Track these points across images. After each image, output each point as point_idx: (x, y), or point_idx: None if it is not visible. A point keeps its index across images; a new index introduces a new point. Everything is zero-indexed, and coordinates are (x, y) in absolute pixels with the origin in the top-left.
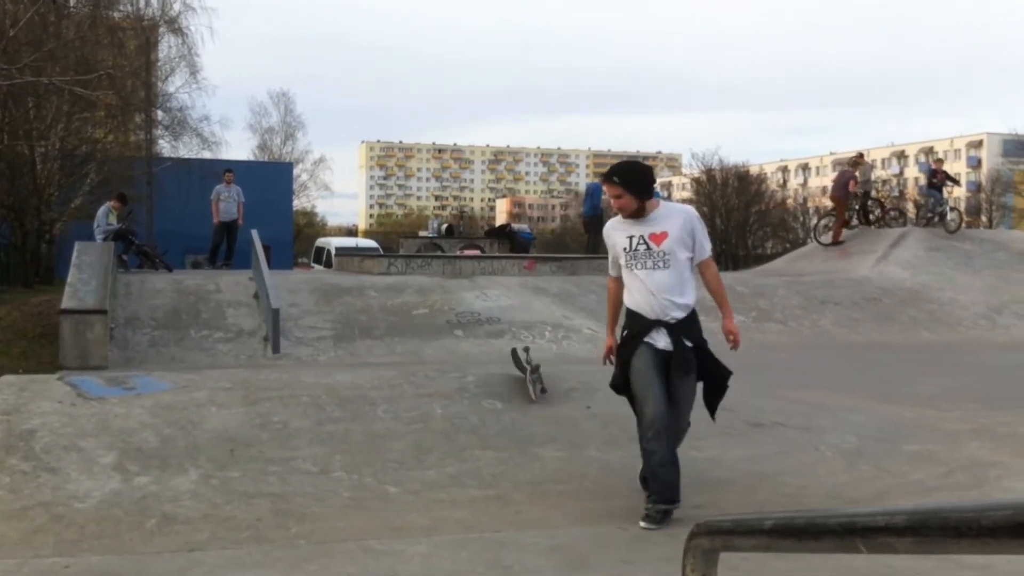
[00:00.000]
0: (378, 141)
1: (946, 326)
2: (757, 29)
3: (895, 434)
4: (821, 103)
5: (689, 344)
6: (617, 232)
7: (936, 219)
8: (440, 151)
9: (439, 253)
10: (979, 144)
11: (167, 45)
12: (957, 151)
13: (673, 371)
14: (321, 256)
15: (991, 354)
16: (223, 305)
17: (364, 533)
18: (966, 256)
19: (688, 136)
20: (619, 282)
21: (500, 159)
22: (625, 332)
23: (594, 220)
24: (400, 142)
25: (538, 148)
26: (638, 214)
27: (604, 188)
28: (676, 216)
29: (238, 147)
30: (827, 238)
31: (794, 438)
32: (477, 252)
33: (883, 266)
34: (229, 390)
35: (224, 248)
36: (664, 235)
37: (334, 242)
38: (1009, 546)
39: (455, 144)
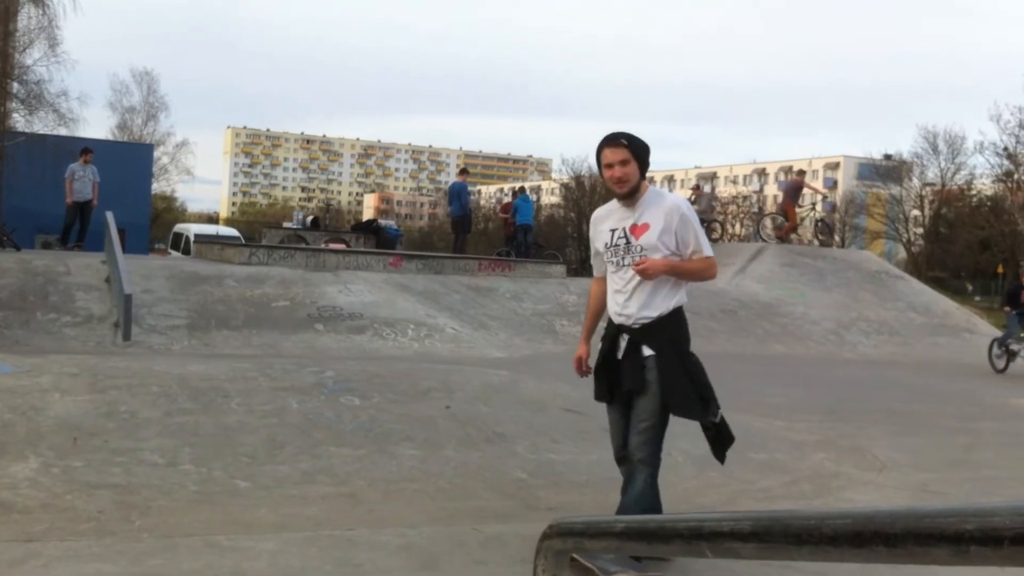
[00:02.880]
0: (245, 127)
1: (797, 340)
2: (631, 42)
3: (744, 442)
4: (688, 119)
5: (649, 352)
6: (602, 223)
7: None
8: (309, 142)
9: (303, 245)
10: (836, 166)
11: (27, 15)
12: (815, 171)
13: (623, 383)
14: (179, 242)
15: (838, 368)
16: (73, 288)
17: (211, 528)
18: (818, 273)
19: (559, 142)
20: (603, 283)
21: (370, 153)
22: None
23: (463, 220)
24: (268, 130)
25: (409, 145)
26: (632, 194)
27: (604, 153)
28: (660, 206)
29: (96, 125)
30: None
31: None
32: (342, 246)
33: (740, 279)
34: (75, 376)
35: (77, 229)
36: (645, 227)
37: (193, 228)
38: (848, 554)
39: (324, 136)
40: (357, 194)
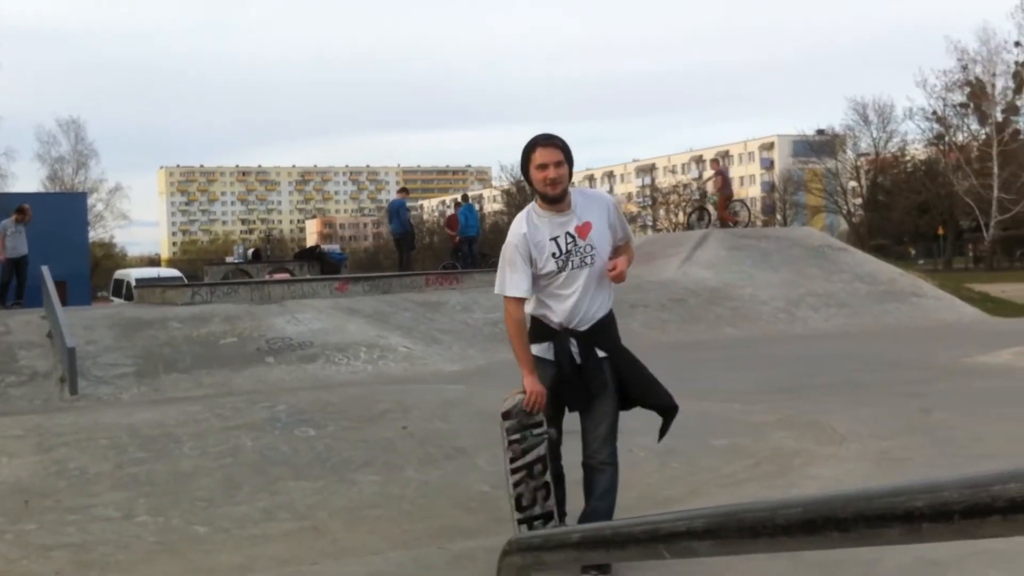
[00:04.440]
0: (178, 166)
1: (749, 322)
2: (558, 44)
3: (705, 430)
4: (622, 114)
5: (602, 354)
6: (539, 235)
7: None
8: (244, 173)
9: (246, 279)
10: (771, 146)
11: None
12: (751, 153)
13: (590, 388)
14: (121, 289)
15: (791, 345)
16: (14, 347)
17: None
18: (763, 253)
19: (496, 150)
20: (522, 304)
21: (308, 179)
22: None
23: (405, 237)
24: (201, 166)
25: (346, 167)
26: (562, 198)
27: (536, 153)
28: (593, 203)
29: (26, 179)
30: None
31: None
32: (286, 275)
33: (687, 267)
34: (21, 438)
35: (14, 286)
36: (588, 226)
37: (133, 273)
38: (802, 542)
39: (260, 166)
40: (299, 221)
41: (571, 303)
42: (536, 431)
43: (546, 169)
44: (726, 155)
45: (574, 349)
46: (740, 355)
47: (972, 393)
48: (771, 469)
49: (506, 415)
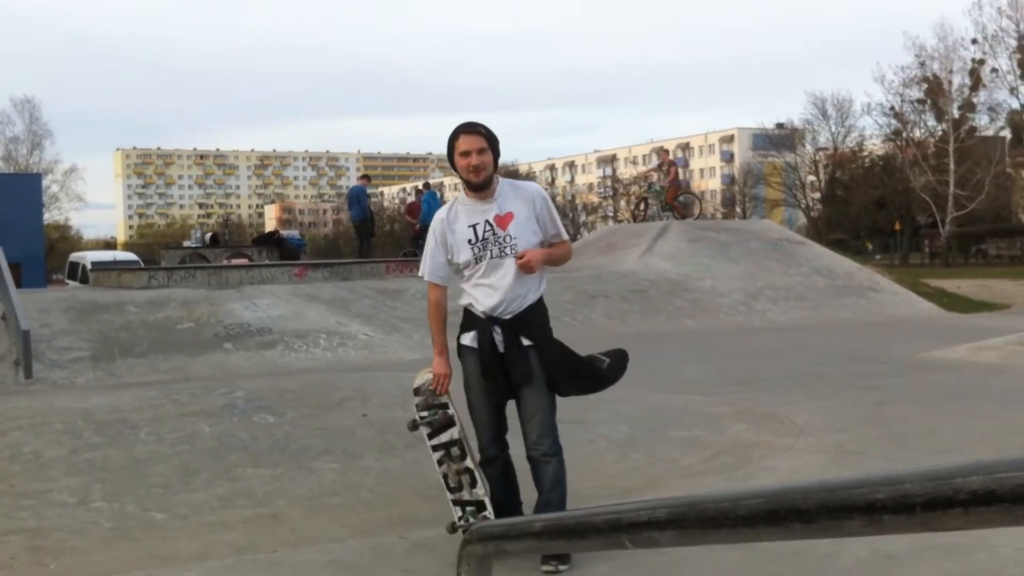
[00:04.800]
0: (134, 148)
1: (708, 314)
2: (516, 31)
3: (664, 421)
4: (583, 103)
5: (527, 343)
6: (457, 223)
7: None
8: (202, 157)
9: (204, 264)
10: (731, 139)
11: None
12: (711, 146)
13: (511, 377)
14: (76, 272)
15: (750, 338)
16: None
17: (128, 565)
18: (723, 246)
19: None
20: (443, 289)
21: (267, 164)
22: (459, 340)
23: (365, 224)
24: (158, 148)
25: (306, 152)
26: (487, 185)
27: (460, 140)
28: (519, 194)
29: None
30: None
31: (569, 432)
32: (245, 261)
33: (648, 259)
34: None
35: None
36: (510, 216)
37: (89, 256)
38: (764, 533)
39: (218, 149)
40: (257, 206)
41: (494, 292)
42: (439, 412)
43: (468, 156)
44: (687, 147)
45: (498, 337)
46: (700, 347)
47: (928, 387)
48: (729, 461)
49: (416, 391)
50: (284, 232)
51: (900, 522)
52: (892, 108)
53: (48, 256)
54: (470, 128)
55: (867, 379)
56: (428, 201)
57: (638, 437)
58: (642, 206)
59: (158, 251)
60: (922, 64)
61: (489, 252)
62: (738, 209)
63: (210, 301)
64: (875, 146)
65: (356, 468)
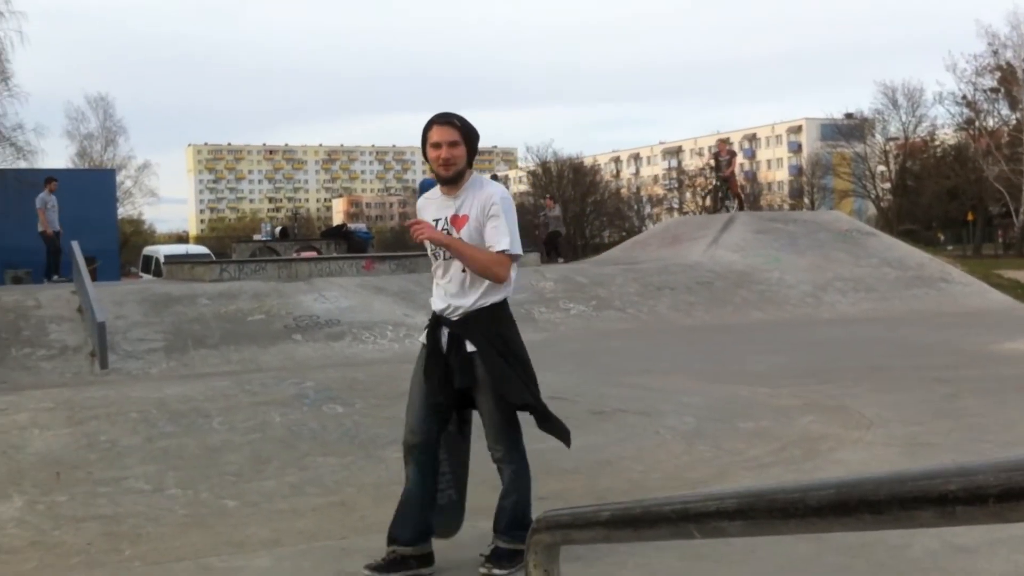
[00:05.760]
0: (206, 144)
1: (775, 305)
2: (584, 25)
3: (731, 413)
4: (650, 97)
5: (472, 348)
6: (424, 212)
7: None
8: (272, 152)
9: (274, 256)
10: (799, 129)
11: None
12: (778, 136)
13: (454, 382)
14: (150, 265)
15: (818, 330)
16: (45, 321)
17: (202, 551)
18: (790, 237)
19: (522, 130)
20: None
21: (334, 158)
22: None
23: None
24: (229, 144)
25: (373, 146)
26: (457, 180)
27: (432, 131)
28: (478, 195)
29: (55, 155)
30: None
31: (635, 423)
32: (313, 253)
33: (714, 250)
34: (52, 410)
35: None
36: (465, 219)
37: (162, 249)
38: (834, 524)
39: (287, 145)
40: (325, 200)
41: (444, 292)
42: None
43: (439, 148)
44: (753, 138)
45: (443, 339)
46: (767, 338)
47: (1001, 380)
48: (797, 453)
49: None
50: (351, 225)
51: (973, 513)
52: (964, 97)
53: (122, 250)
54: (444, 119)
55: (938, 371)
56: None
57: (705, 428)
58: (719, 195)
59: (229, 244)
60: (995, 52)
61: (443, 251)
62: (806, 200)
63: (280, 293)
64: (947, 135)
65: None
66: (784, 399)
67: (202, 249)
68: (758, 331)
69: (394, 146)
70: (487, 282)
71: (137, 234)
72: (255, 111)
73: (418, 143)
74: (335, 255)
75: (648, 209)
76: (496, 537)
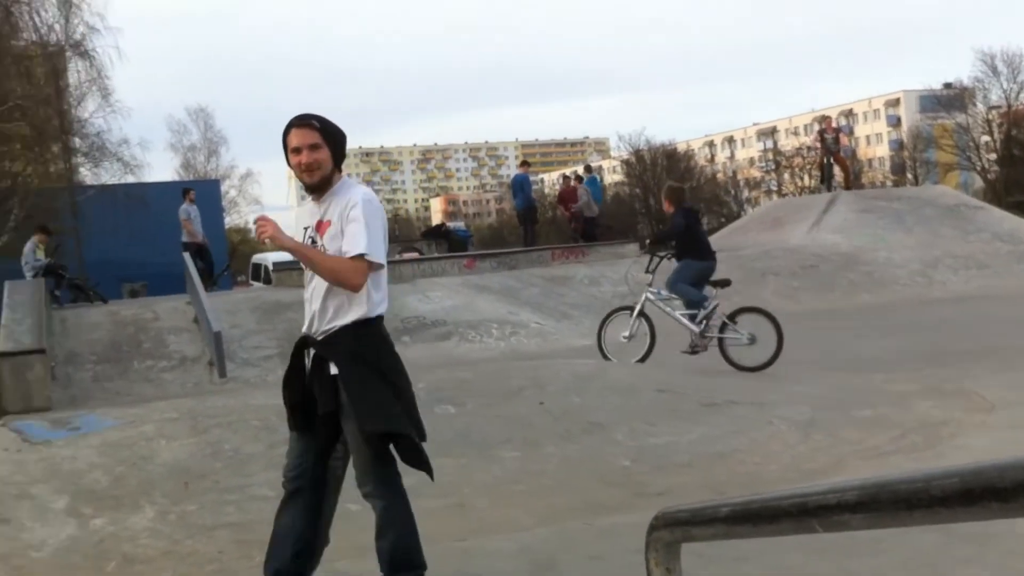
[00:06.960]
0: None
1: (884, 287)
2: (669, 10)
3: (846, 401)
4: (738, 76)
5: (334, 371)
6: (300, 220)
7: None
8: (368, 154)
9: None
10: (897, 102)
11: (76, 70)
12: (876, 111)
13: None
14: (259, 273)
15: (930, 310)
16: (163, 333)
17: (329, 555)
18: (896, 215)
19: (613, 119)
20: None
21: (429, 158)
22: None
23: (529, 211)
24: None
25: (466, 143)
26: (324, 186)
27: (291, 135)
28: (341, 199)
29: (160, 168)
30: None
31: (747, 415)
32: (415, 255)
33: (816, 232)
34: (176, 421)
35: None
36: (328, 224)
37: (271, 257)
38: (960, 514)
39: (382, 147)
40: (423, 200)
41: (309, 308)
42: None
43: (299, 153)
44: (850, 113)
45: (308, 360)
46: (877, 322)
47: None
48: (918, 440)
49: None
50: (450, 224)
51: None
52: None
53: (231, 258)
54: (302, 121)
55: None
56: (590, 185)
57: (819, 418)
58: (830, 173)
59: None
60: None
61: None
62: (909, 175)
63: None
64: None
65: (537, 456)
66: (900, 384)
67: None
68: (868, 314)
69: (486, 142)
70: (354, 296)
71: (244, 242)
72: (349, 114)
73: (509, 137)
74: (436, 255)
75: (746, 193)
76: None
